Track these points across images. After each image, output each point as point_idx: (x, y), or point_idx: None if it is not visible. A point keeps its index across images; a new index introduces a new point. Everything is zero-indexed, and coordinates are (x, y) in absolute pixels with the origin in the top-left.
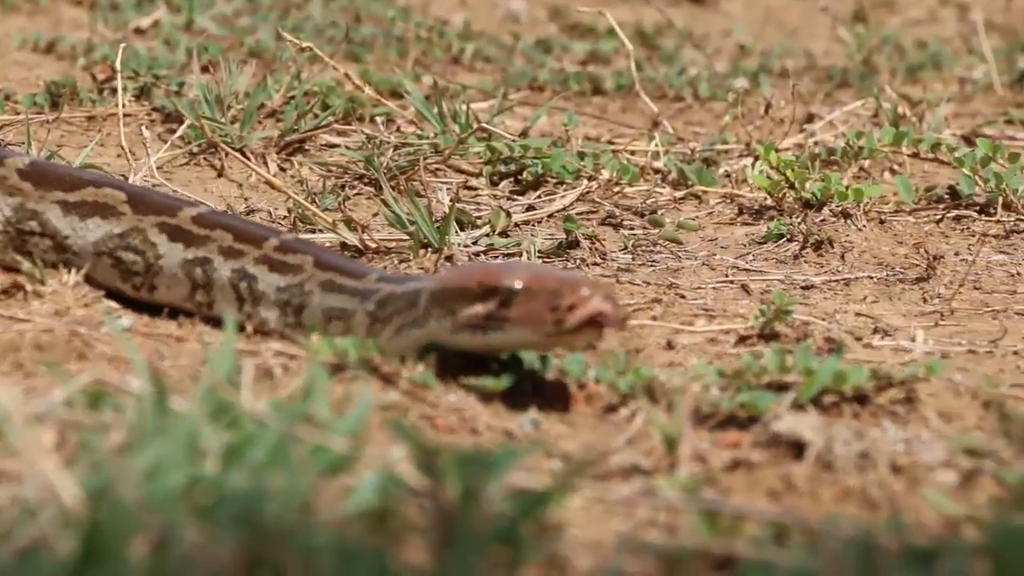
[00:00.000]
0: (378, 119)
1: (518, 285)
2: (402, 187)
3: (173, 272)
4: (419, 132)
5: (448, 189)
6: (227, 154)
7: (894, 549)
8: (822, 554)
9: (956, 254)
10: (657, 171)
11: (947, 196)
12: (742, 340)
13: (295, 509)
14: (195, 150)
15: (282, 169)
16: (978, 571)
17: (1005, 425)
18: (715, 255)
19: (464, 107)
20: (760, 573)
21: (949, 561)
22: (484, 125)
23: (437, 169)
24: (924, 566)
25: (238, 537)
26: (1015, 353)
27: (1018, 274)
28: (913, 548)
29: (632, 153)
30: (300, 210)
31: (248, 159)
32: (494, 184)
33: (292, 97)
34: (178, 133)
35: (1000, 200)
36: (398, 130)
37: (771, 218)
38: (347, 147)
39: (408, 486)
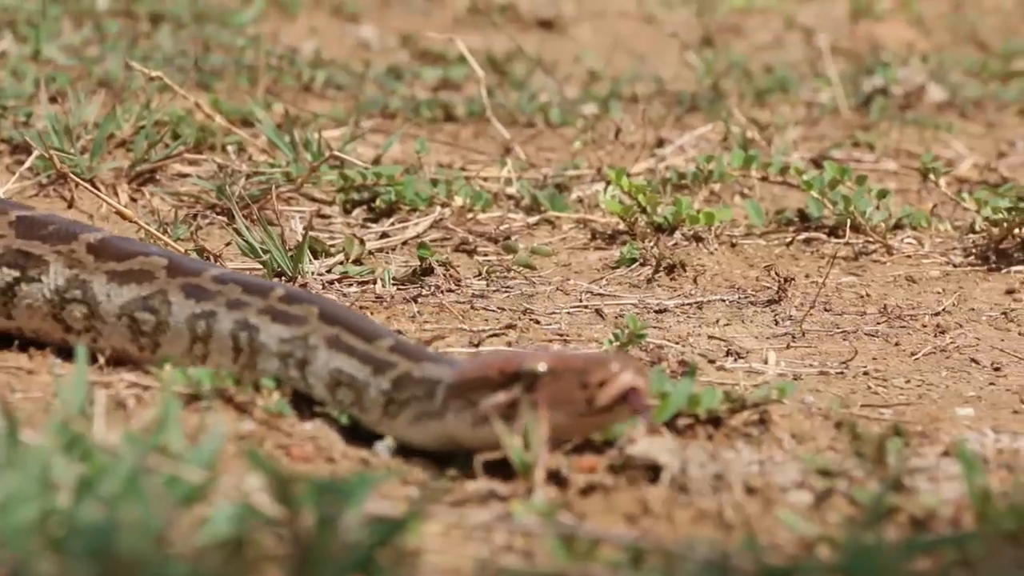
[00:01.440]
0: (229, 148)
1: (542, 368)
2: (255, 216)
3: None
4: (271, 161)
5: (301, 217)
6: (77, 185)
7: (749, 570)
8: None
9: (806, 276)
10: (510, 197)
11: (797, 219)
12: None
13: (150, 540)
14: (44, 181)
15: (133, 199)
16: None
17: (857, 445)
18: (569, 280)
19: (316, 135)
20: None
21: None
22: (336, 153)
23: (290, 198)
24: None
25: (92, 569)
26: (866, 374)
27: (867, 295)
28: (768, 568)
29: (485, 179)
30: (152, 240)
31: (98, 190)
32: (347, 212)
33: (142, 127)
34: (27, 164)
35: (848, 222)
36: (250, 159)
37: (624, 243)
38: (199, 176)
39: (264, 515)
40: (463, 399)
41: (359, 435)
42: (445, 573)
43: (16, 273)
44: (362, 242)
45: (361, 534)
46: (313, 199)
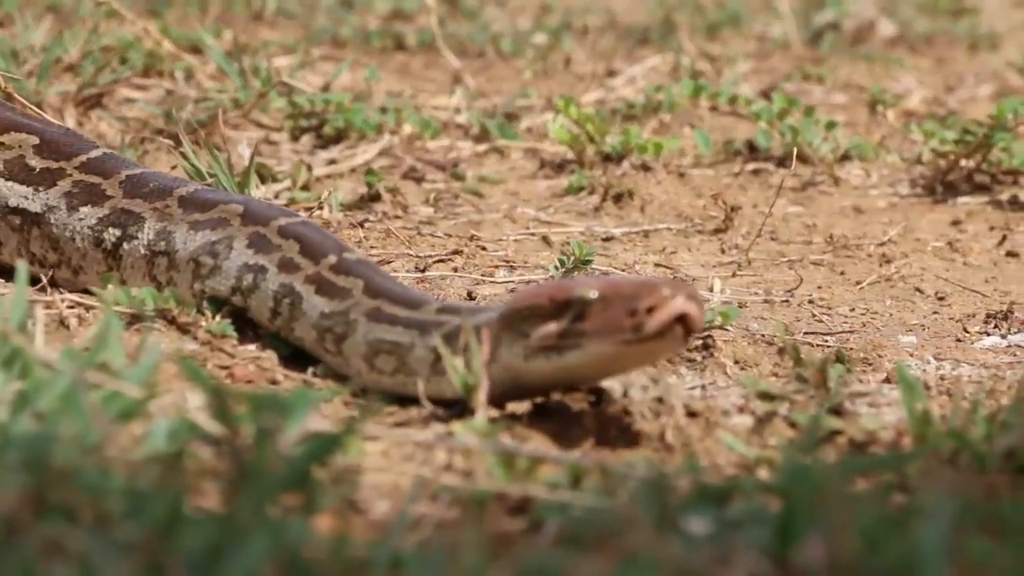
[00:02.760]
0: (178, 74)
1: (593, 294)
2: (202, 141)
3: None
4: (219, 87)
5: (249, 143)
6: (24, 107)
7: (688, 488)
8: (617, 495)
9: (754, 206)
10: (459, 126)
11: (745, 149)
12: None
13: (86, 453)
14: None
15: (80, 124)
16: (769, 508)
17: (799, 370)
18: (517, 208)
19: (265, 62)
20: (556, 514)
21: (741, 499)
22: (285, 79)
23: (238, 124)
24: (717, 504)
25: (27, 480)
26: (810, 302)
27: (814, 225)
28: (707, 487)
29: (434, 108)
30: None
31: (45, 112)
32: (295, 139)
33: (90, 52)
34: None
35: (796, 152)
36: (198, 85)
37: (572, 171)
38: (146, 101)
39: (203, 431)
40: (514, 330)
41: (302, 358)
42: (384, 490)
43: (119, 232)
44: (309, 168)
45: (298, 450)
46: (261, 125)
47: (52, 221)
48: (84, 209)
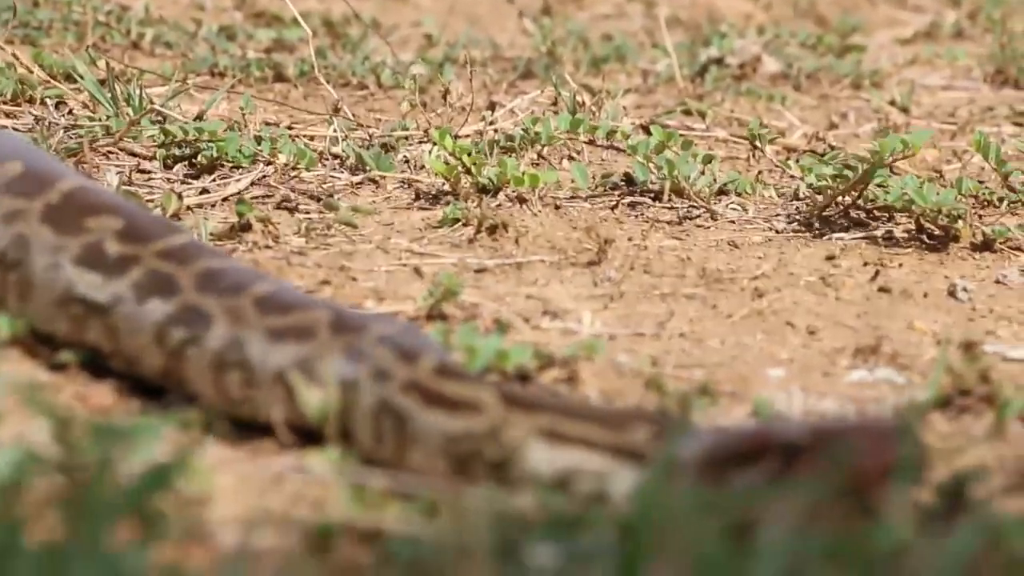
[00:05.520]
0: (49, 102)
1: (803, 440)
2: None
3: None
4: (91, 115)
5: (119, 172)
6: None
7: (540, 519)
8: (468, 526)
9: (629, 239)
10: (335, 156)
11: (623, 183)
12: (410, 321)
13: None
14: None
15: None
16: (621, 541)
17: (664, 401)
18: (390, 239)
19: (138, 90)
20: (405, 547)
21: (592, 531)
22: (158, 108)
23: (109, 152)
24: (567, 536)
25: None
26: (681, 335)
27: (688, 259)
28: (557, 518)
29: (311, 138)
30: None
31: None
32: (168, 168)
33: None
34: None
35: (670, 186)
36: (70, 113)
37: (447, 203)
38: (15, 128)
39: (46, 460)
40: (713, 477)
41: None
42: (232, 523)
43: (184, 334)
44: (180, 197)
45: (136, 478)
46: (133, 154)
47: None
48: None
